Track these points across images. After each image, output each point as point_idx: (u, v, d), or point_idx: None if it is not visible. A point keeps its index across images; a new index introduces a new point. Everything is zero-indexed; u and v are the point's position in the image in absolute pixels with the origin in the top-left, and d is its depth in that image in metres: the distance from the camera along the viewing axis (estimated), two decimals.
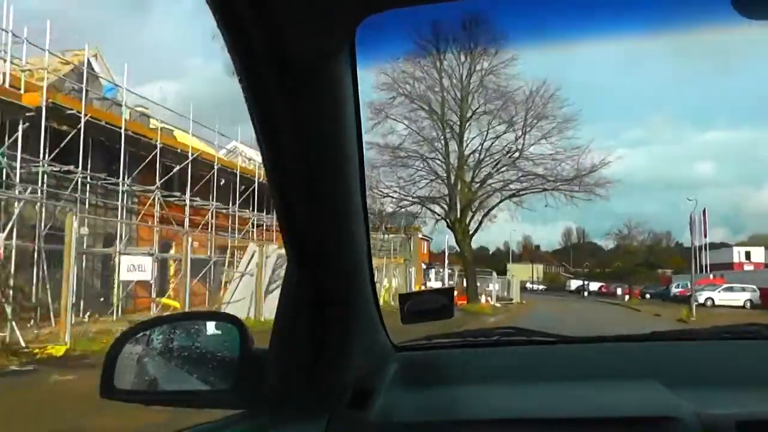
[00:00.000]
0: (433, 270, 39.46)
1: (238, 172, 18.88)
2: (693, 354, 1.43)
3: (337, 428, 1.10)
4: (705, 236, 28.49)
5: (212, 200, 18.23)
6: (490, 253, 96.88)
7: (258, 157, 15.88)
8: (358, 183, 1.10)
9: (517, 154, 26.86)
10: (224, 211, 19.28)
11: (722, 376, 1.26)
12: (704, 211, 26.93)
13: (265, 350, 1.16)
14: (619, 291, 43.37)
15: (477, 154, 28.05)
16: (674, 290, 36.03)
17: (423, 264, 41.24)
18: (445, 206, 29.20)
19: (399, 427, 1.15)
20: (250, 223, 20.56)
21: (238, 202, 19.69)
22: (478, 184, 29.20)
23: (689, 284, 27.35)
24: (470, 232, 29.60)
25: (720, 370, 1.30)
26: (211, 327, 1.23)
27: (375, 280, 1.33)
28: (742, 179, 72.36)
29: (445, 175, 29.09)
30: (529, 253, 78.64)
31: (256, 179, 19.32)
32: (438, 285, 29.55)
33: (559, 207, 28.10)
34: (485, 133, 27.39)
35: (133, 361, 1.14)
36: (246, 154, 21.75)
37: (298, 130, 0.96)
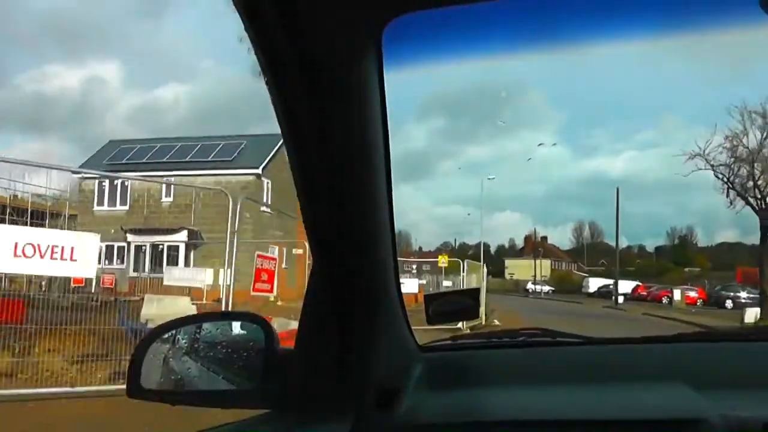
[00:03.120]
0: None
1: None
2: (719, 355, 1.63)
3: (363, 429, 1.29)
4: None
5: None
6: (492, 250, 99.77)
7: None
8: (384, 184, 1.29)
9: None
10: None
11: (749, 377, 1.45)
12: None
13: (291, 350, 1.38)
14: (677, 294, 37.41)
15: None
16: None
17: None
18: None
19: (425, 428, 1.34)
20: None
21: None
22: None
23: None
24: None
25: (747, 371, 1.49)
26: (236, 327, 1.48)
27: (400, 280, 1.56)
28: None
29: None
30: (533, 246, 70.95)
31: None
32: None
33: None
34: None
35: (160, 361, 1.37)
36: None
37: (324, 130, 1.12)
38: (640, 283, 48.30)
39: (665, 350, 1.73)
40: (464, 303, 1.67)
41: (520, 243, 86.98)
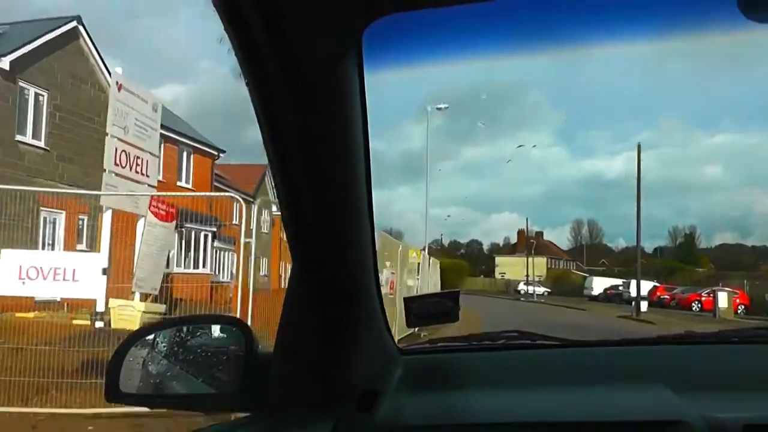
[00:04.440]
0: None
1: None
2: (699, 358, 1.75)
3: (343, 431, 1.36)
4: None
5: None
6: (485, 248, 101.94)
7: None
8: (364, 186, 1.38)
9: None
10: None
11: (729, 380, 1.55)
12: None
13: (271, 353, 1.46)
14: (722, 299, 31.91)
15: None
16: None
17: None
18: None
19: (405, 430, 1.42)
20: None
21: None
22: None
23: None
24: None
25: (727, 374, 1.59)
26: (216, 330, 1.58)
27: (380, 282, 1.66)
28: (751, 182, 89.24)
29: None
30: (527, 242, 66.63)
31: None
32: None
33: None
34: None
35: (139, 365, 1.45)
36: None
37: (305, 132, 1.20)
38: (658, 284, 43.86)
39: (645, 352, 1.85)
40: (445, 306, 1.77)
41: (515, 242, 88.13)
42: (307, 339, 1.49)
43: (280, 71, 1.10)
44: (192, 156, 30.86)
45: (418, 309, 1.79)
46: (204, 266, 21.91)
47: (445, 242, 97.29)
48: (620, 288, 47.11)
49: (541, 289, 59.29)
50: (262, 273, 33.86)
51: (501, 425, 1.43)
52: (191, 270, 20.86)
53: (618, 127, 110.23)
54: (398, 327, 7.96)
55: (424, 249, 25.83)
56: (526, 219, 66.19)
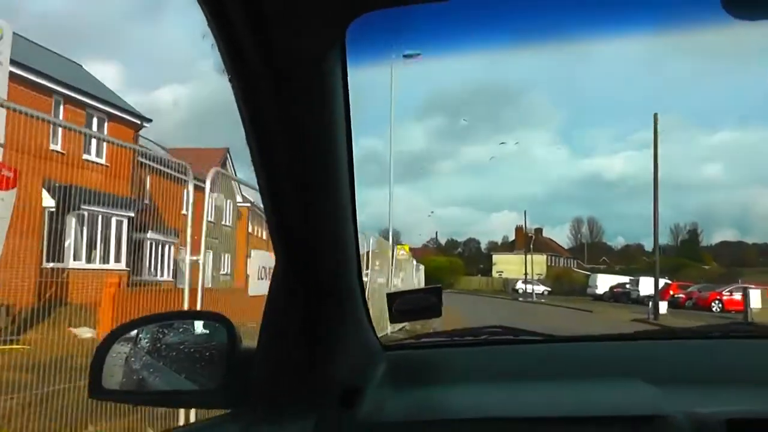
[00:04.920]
0: None
1: None
2: (680, 353, 1.81)
3: (326, 428, 1.42)
4: None
5: None
6: (483, 247, 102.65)
7: None
8: (347, 182, 1.42)
9: None
10: None
11: (710, 374, 1.63)
12: None
13: (253, 349, 1.50)
14: (755, 297, 26.73)
15: None
16: None
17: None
18: None
19: (387, 426, 1.47)
20: None
21: None
22: None
23: None
24: None
25: (707, 368, 1.66)
26: (198, 326, 1.61)
27: (364, 278, 1.70)
28: (751, 179, 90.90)
29: None
30: (526, 239, 65.62)
31: None
32: None
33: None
34: None
35: (121, 361, 1.49)
36: None
37: (288, 128, 1.23)
38: (670, 282, 39.68)
39: (627, 348, 1.91)
40: (427, 301, 1.83)
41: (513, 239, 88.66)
42: (290, 335, 1.53)
43: (264, 67, 1.13)
44: (106, 124, 24.70)
45: (401, 304, 1.84)
46: (118, 261, 18.53)
47: (442, 241, 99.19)
48: (627, 286, 45.62)
49: (540, 288, 57.47)
50: (223, 271, 31.11)
51: (484, 420, 1.47)
52: (97, 265, 16.65)
53: (617, 126, 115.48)
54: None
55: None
56: (524, 213, 65.82)
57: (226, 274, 32.04)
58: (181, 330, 1.64)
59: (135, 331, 1.58)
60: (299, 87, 1.20)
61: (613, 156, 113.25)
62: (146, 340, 1.58)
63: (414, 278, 27.23)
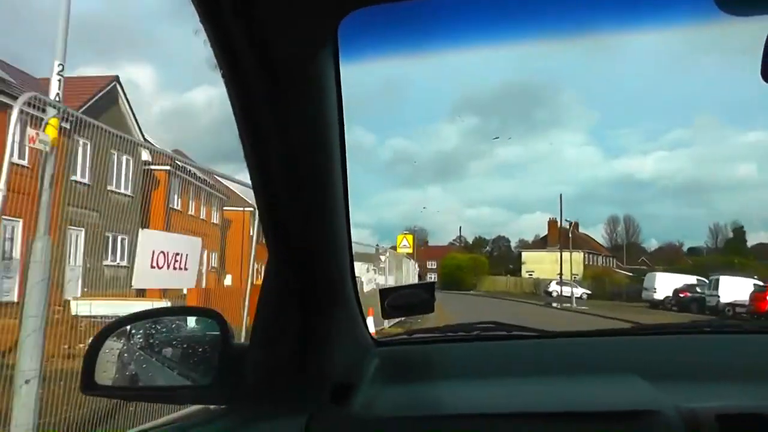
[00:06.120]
0: None
1: None
2: (673, 348, 1.93)
3: (318, 424, 1.50)
4: None
5: None
6: (512, 246, 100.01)
7: None
8: (340, 179, 1.50)
9: None
10: None
11: (702, 370, 1.72)
12: None
13: (246, 345, 1.61)
14: None
15: None
16: None
17: None
18: None
19: (379, 422, 1.56)
20: None
21: None
22: None
23: None
24: None
25: (700, 364, 1.77)
26: (191, 322, 1.74)
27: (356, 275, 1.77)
28: None
29: None
30: (559, 234, 59.08)
31: None
32: None
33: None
34: None
35: (114, 357, 1.60)
36: None
37: (281, 125, 1.31)
38: (763, 284, 32.10)
39: (619, 343, 2.02)
40: (420, 297, 1.97)
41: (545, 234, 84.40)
42: (283, 331, 1.63)
43: (256, 64, 1.20)
44: None
45: (393, 300, 1.95)
46: None
47: (469, 239, 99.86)
48: (698, 289, 38.69)
49: (578, 291, 50.34)
50: (113, 261, 21.68)
51: (476, 416, 1.56)
52: None
53: (649, 125, 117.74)
54: None
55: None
56: (560, 197, 54.52)
57: (119, 265, 22.85)
58: (174, 326, 1.75)
59: (128, 327, 1.69)
60: (292, 84, 1.28)
61: (646, 155, 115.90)
62: (139, 336, 1.68)
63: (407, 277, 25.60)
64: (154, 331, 1.73)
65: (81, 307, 10.79)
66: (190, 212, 33.17)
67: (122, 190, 26.47)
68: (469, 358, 1.94)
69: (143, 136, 31.62)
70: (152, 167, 28.87)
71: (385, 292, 1.94)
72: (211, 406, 1.67)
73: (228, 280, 14.95)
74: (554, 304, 43.53)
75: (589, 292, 55.24)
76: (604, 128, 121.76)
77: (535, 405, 1.62)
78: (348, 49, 1.35)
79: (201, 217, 34.33)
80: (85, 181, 21.36)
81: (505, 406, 1.62)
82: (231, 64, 1.21)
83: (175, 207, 29.03)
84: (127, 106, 30.88)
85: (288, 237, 1.57)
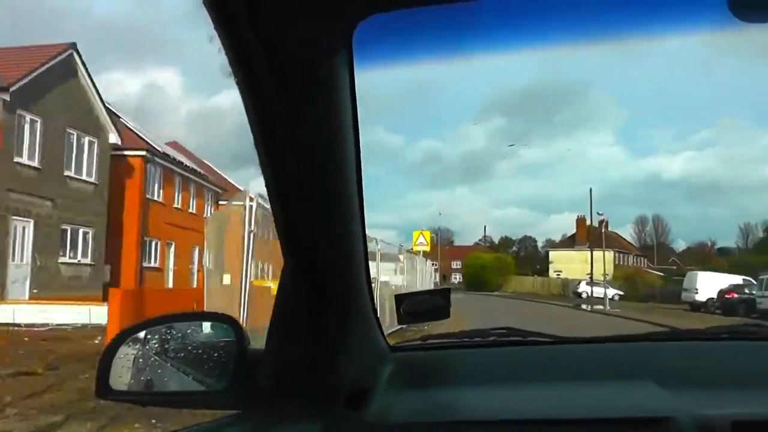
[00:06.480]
0: None
1: None
2: (689, 354, 1.94)
3: (333, 429, 1.53)
4: None
5: None
6: (539, 246, 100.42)
7: None
8: (355, 184, 1.53)
9: None
10: None
11: (718, 376, 1.73)
12: None
13: (261, 351, 1.63)
14: None
15: None
16: None
17: None
18: None
19: (395, 428, 1.58)
20: None
21: None
22: None
23: None
24: None
25: (716, 370, 1.77)
26: (206, 327, 1.78)
27: (371, 280, 1.79)
28: None
29: None
30: (588, 232, 59.25)
31: None
32: None
33: None
34: None
35: (129, 362, 1.64)
36: None
37: (295, 129, 1.33)
38: None
39: (634, 349, 2.04)
40: (435, 303, 2.00)
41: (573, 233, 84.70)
42: (298, 337, 1.66)
43: (270, 70, 1.22)
44: None
45: (409, 306, 1.98)
46: None
47: (495, 239, 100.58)
48: (746, 291, 35.78)
49: (611, 291, 48.03)
50: (72, 258, 21.39)
51: (491, 423, 1.58)
52: None
53: (676, 125, 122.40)
54: None
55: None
56: (590, 191, 52.30)
57: (80, 263, 23.01)
58: (188, 331, 1.78)
59: (143, 333, 1.73)
60: (307, 90, 1.30)
61: (674, 156, 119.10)
62: (154, 341, 1.72)
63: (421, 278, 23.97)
64: (168, 337, 1.77)
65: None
66: (176, 205, 30.43)
67: (84, 177, 23.62)
68: (485, 363, 1.97)
69: (111, 116, 27.92)
70: (125, 152, 27.02)
71: (400, 298, 1.97)
72: (226, 411, 1.71)
73: (227, 280, 14.54)
74: (584, 306, 42.59)
75: (621, 293, 53.78)
76: (632, 128, 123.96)
77: (550, 411, 1.65)
78: (369, 53, 1.39)
79: (190, 211, 31.50)
80: (34, 164, 19.12)
81: (521, 412, 1.65)
82: (245, 71, 1.24)
83: (156, 198, 26.35)
84: (88, 79, 27.06)
85: (302, 241, 1.60)
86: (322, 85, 1.33)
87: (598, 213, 51.15)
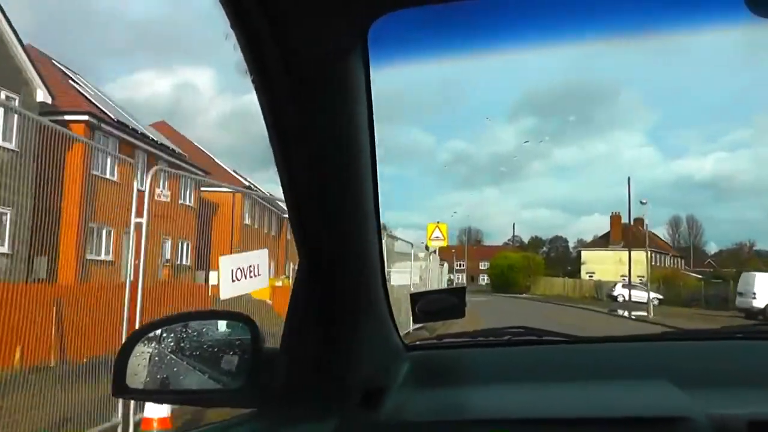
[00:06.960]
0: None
1: None
2: (704, 354, 1.97)
3: (348, 428, 1.57)
4: None
5: None
6: (571, 246, 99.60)
7: None
8: (370, 182, 1.56)
9: None
10: None
11: (734, 376, 1.76)
12: None
13: (277, 349, 1.67)
14: None
15: None
16: None
17: None
18: None
19: (410, 426, 1.62)
20: None
21: None
22: None
23: None
24: None
25: (731, 370, 1.80)
26: (222, 326, 1.83)
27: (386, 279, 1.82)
28: None
29: None
30: (622, 230, 59.43)
31: None
32: None
33: None
34: None
35: (145, 360, 1.70)
36: None
37: (310, 129, 1.37)
38: None
39: (650, 349, 2.07)
40: (450, 302, 2.06)
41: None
42: (313, 335, 1.70)
43: (286, 68, 1.25)
44: None
45: (424, 305, 2.01)
46: None
47: (525, 239, 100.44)
48: None
49: (652, 296, 42.97)
50: None
51: (506, 421, 1.62)
52: None
53: (708, 126, 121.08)
54: None
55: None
56: (628, 180, 48.04)
57: None
58: (204, 329, 1.84)
59: (159, 331, 1.79)
60: (322, 88, 1.33)
61: (706, 156, 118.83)
62: (170, 340, 1.78)
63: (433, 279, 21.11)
64: (184, 335, 1.82)
65: None
66: (141, 187, 27.13)
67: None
68: (500, 363, 2.01)
69: (45, 68, 21.35)
70: (64, 116, 20.58)
71: (415, 297, 2.02)
72: (241, 410, 1.76)
73: (213, 279, 13.07)
74: (620, 312, 38.30)
75: (661, 296, 48.53)
76: (663, 129, 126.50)
77: (565, 410, 1.68)
78: (379, 53, 1.42)
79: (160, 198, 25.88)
80: None
81: (536, 411, 1.68)
82: (260, 69, 1.27)
83: (108, 176, 19.51)
84: (4, 22, 21.32)
85: (318, 240, 1.64)
86: (337, 83, 1.36)
87: (641, 202, 46.72)
